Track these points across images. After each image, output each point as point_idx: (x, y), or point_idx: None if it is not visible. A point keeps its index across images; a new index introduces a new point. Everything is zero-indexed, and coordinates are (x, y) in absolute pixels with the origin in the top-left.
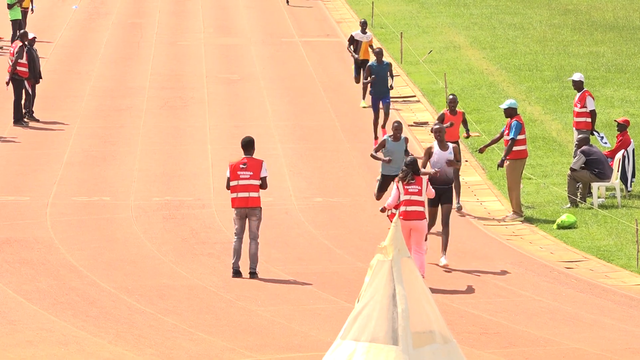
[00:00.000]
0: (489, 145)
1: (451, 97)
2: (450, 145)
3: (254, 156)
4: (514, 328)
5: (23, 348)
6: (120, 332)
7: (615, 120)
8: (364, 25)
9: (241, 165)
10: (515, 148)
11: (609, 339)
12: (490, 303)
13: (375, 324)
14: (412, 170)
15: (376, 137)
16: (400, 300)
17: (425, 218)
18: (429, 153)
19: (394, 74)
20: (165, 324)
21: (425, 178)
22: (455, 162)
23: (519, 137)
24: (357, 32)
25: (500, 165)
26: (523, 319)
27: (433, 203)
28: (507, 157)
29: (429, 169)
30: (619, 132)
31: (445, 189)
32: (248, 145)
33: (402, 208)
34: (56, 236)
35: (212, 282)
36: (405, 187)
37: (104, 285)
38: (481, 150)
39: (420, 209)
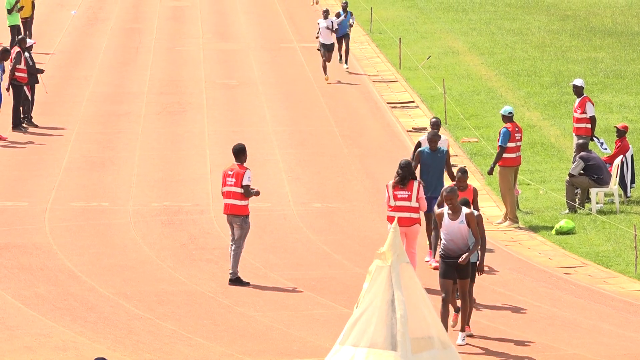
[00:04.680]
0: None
1: (460, 174)
2: (464, 211)
3: (245, 164)
4: (512, 333)
5: (21, 354)
6: (118, 338)
7: (615, 127)
8: (435, 127)
9: (229, 172)
10: (505, 155)
11: (607, 344)
12: (489, 309)
13: (374, 329)
14: (406, 174)
15: (431, 248)
16: (399, 306)
17: (418, 223)
18: (440, 218)
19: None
20: (163, 330)
21: (416, 182)
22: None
23: (510, 144)
24: (424, 138)
25: (490, 172)
26: (521, 325)
27: (447, 275)
28: (498, 164)
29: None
30: (617, 138)
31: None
32: (238, 152)
33: (392, 214)
34: (55, 242)
35: (210, 288)
36: (395, 192)
37: (103, 290)
38: (490, 171)
39: (411, 215)
